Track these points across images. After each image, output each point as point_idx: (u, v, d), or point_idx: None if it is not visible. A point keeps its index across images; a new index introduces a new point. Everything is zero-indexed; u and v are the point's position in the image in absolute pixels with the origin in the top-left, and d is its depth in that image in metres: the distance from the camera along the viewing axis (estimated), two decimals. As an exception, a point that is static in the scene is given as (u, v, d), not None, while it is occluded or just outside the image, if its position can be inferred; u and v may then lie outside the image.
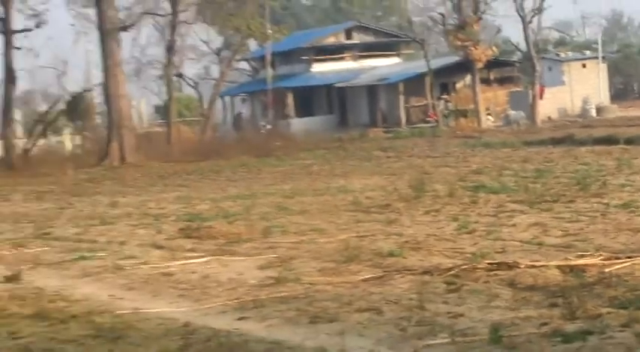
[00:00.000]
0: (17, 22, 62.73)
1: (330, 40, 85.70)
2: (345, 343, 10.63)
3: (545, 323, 11.53)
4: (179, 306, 14.47)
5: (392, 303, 13.17)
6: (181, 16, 60.81)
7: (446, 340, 10.83)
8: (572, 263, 15.79)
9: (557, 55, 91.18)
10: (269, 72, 76.29)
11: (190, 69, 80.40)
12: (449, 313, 12.43)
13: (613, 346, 9.86)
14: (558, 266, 15.33)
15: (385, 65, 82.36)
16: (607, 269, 14.83)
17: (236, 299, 14.53)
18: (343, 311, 12.87)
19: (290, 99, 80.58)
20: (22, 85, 76.47)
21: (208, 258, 18.71)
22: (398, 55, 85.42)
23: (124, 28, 55.36)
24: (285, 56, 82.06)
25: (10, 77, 62.24)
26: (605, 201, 24.40)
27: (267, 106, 78.66)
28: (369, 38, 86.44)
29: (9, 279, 17.81)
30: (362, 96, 79.96)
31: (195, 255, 19.35)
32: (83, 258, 20.10)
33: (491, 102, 76.74)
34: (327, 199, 27.29)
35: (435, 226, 20.89)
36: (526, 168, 35.59)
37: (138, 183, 39.89)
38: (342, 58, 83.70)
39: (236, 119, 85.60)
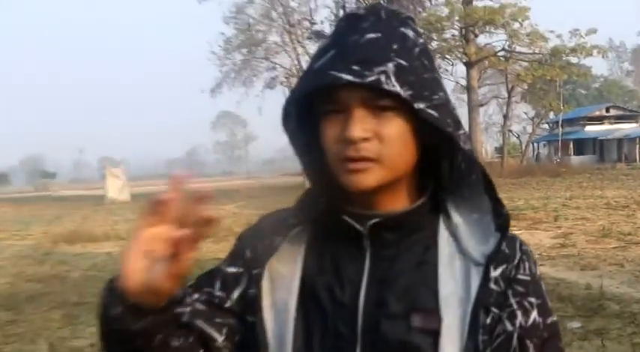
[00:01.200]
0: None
1: (596, 113, 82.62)
2: (602, 282, 10.19)
3: None
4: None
5: (630, 262, 12.53)
6: (512, 99, 59.80)
7: (664, 284, 10.28)
8: None
9: None
10: (560, 130, 74.21)
11: (515, 127, 79.38)
12: (665, 268, 11.76)
13: None
14: None
15: (628, 127, 78.67)
16: None
17: (537, 254, 14.24)
18: (600, 264, 12.39)
19: (571, 146, 78.18)
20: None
21: (522, 230, 18.31)
22: (636, 122, 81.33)
23: (481, 105, 54.99)
24: (570, 121, 79.48)
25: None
26: None
27: (558, 149, 76.69)
28: (619, 112, 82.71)
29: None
30: (613, 145, 76.56)
31: (515, 228, 19.04)
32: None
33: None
34: (591, 201, 26.16)
35: (656, 219, 19.56)
36: None
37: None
38: (602, 123, 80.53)
39: (538, 156, 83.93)
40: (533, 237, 17.10)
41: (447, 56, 48.69)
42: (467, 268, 1.32)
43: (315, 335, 1.34)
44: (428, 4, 50.23)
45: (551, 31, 44.67)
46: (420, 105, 1.26)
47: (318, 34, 48.13)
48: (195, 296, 1.43)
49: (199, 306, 1.40)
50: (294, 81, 42.36)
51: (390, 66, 1.24)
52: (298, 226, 1.41)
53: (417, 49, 1.31)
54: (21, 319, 9.85)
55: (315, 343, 1.34)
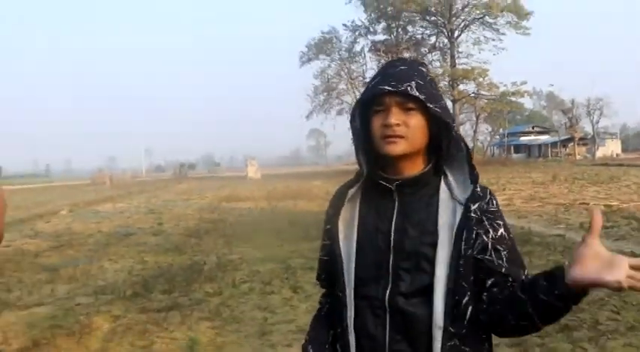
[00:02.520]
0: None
1: (527, 129, 79.14)
2: (530, 225, 9.68)
3: None
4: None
5: (546, 214, 11.52)
6: (479, 121, 57.32)
7: None
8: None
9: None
10: (506, 139, 71.76)
11: (480, 137, 75.20)
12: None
13: None
14: None
15: (544, 138, 75.33)
16: None
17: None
18: (529, 215, 11.52)
19: (512, 149, 75.22)
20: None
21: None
22: (549, 134, 77.73)
23: (461, 125, 52.35)
24: (512, 134, 75.98)
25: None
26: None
27: (505, 150, 73.88)
28: (539, 129, 78.88)
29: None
30: (536, 148, 73.43)
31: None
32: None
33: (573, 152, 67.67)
34: (523, 180, 24.71)
35: (574, 191, 18.18)
36: (584, 172, 30.61)
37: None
38: (530, 135, 77.36)
39: (494, 154, 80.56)
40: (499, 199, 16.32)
41: (441, 97, 50.00)
42: (455, 207, 1.32)
43: (367, 250, 1.36)
44: (430, 66, 50.71)
45: (501, 82, 45.31)
46: (431, 105, 1.29)
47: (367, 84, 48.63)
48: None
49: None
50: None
51: (413, 83, 1.30)
52: (354, 187, 1.42)
53: (428, 78, 1.36)
54: (202, 242, 10.10)
55: (368, 256, 1.35)
